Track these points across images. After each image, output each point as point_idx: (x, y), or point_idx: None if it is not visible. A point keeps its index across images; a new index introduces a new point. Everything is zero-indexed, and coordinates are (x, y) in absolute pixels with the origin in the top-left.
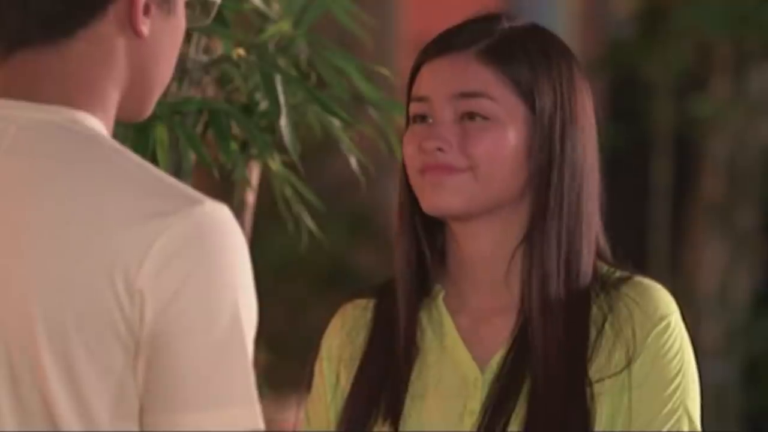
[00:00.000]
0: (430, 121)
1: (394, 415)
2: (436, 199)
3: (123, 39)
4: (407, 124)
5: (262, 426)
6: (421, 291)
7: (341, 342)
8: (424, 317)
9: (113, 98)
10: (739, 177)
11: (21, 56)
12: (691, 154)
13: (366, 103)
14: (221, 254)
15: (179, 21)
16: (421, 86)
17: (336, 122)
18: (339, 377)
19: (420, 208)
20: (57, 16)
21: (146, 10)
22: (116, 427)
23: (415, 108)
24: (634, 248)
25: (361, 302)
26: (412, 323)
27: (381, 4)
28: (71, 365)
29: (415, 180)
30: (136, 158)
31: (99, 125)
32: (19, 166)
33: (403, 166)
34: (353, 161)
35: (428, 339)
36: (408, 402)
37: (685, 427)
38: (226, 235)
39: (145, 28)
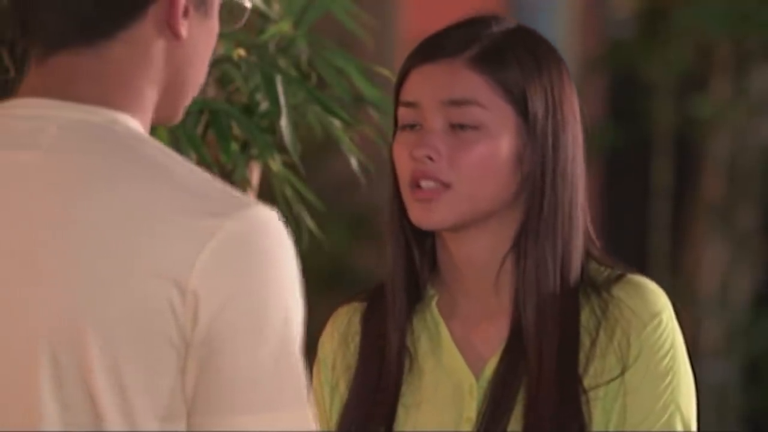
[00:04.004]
0: (419, 127)
1: (388, 425)
2: (425, 219)
3: (162, 41)
4: (395, 128)
5: (313, 428)
6: (414, 295)
7: (336, 347)
8: (418, 322)
9: (151, 100)
10: (739, 177)
11: (60, 57)
12: (692, 154)
13: (366, 103)
14: (273, 256)
15: (214, 23)
16: (411, 91)
17: (336, 122)
18: (338, 382)
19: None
20: (96, 18)
21: (184, 12)
22: (163, 428)
23: (404, 114)
24: (635, 248)
25: (354, 305)
26: (403, 330)
27: (381, 4)
28: (119, 367)
29: (404, 191)
30: (183, 160)
31: (138, 126)
32: (61, 166)
33: (393, 172)
34: (353, 161)
35: (423, 345)
36: (403, 411)
37: (678, 426)
38: (277, 238)
39: (183, 30)
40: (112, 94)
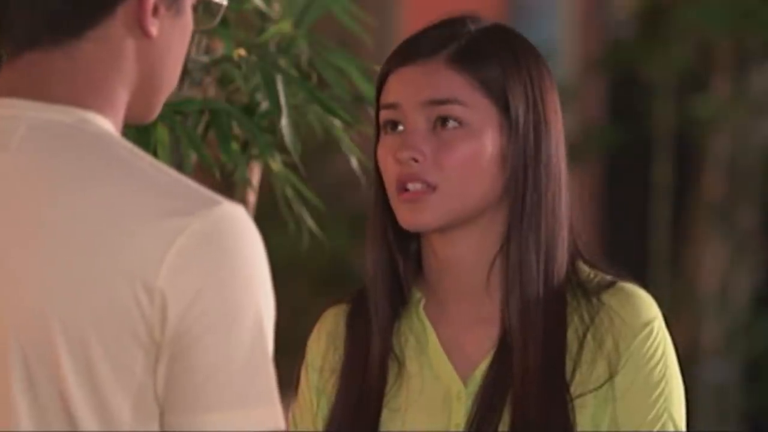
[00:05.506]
0: (401, 128)
1: (372, 429)
2: (413, 221)
3: (131, 39)
4: (377, 133)
5: (283, 426)
6: (398, 299)
7: (325, 349)
8: (405, 326)
9: (122, 99)
10: (739, 177)
11: (29, 56)
12: (692, 153)
13: (366, 103)
14: (242, 254)
15: (187, 22)
16: (390, 93)
17: (337, 122)
18: (326, 385)
19: (393, 217)
20: (64, 16)
21: (155, 11)
22: (137, 427)
23: (385, 115)
24: (635, 248)
25: (342, 307)
26: (386, 334)
27: (381, 4)
28: (90, 366)
29: (392, 195)
30: (151, 159)
31: (109, 126)
32: (30, 165)
33: (377, 175)
34: (353, 161)
35: (410, 349)
36: (390, 415)
37: None
38: (245, 235)
39: (153, 28)
40: (83, 94)
